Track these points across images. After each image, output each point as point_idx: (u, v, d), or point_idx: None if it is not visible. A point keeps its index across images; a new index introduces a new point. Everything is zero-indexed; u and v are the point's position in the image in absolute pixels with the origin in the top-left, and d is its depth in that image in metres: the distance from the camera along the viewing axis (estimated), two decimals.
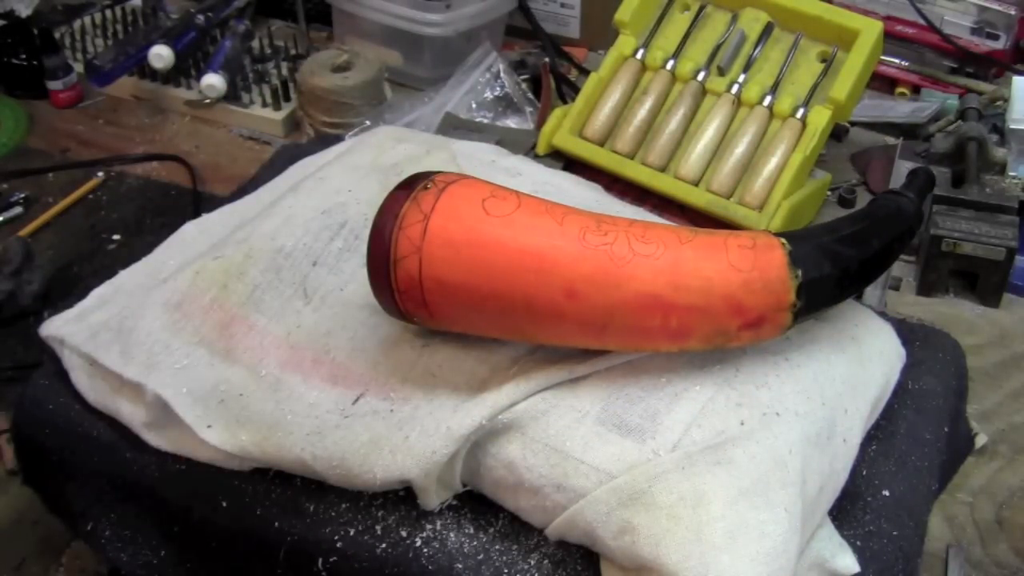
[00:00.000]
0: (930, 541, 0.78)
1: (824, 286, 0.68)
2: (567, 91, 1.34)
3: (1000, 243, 1.05)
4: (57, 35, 1.44)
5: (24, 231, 1.18)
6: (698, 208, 1.07)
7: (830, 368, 0.72)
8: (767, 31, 1.11)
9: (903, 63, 1.41)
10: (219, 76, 1.35)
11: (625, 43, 1.14)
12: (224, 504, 0.72)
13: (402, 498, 0.69)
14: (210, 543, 0.74)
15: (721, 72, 1.11)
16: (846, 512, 0.72)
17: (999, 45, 1.37)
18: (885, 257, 0.74)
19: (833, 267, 0.68)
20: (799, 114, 1.06)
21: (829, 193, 1.18)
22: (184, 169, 1.28)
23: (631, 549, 0.62)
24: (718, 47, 1.11)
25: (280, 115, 1.35)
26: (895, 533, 0.71)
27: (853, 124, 1.30)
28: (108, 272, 0.85)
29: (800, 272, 0.66)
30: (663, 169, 1.09)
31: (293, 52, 1.46)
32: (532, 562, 0.67)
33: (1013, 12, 1.36)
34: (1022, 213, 1.09)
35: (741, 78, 1.10)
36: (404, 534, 0.68)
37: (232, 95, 1.37)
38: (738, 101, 1.09)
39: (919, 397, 0.80)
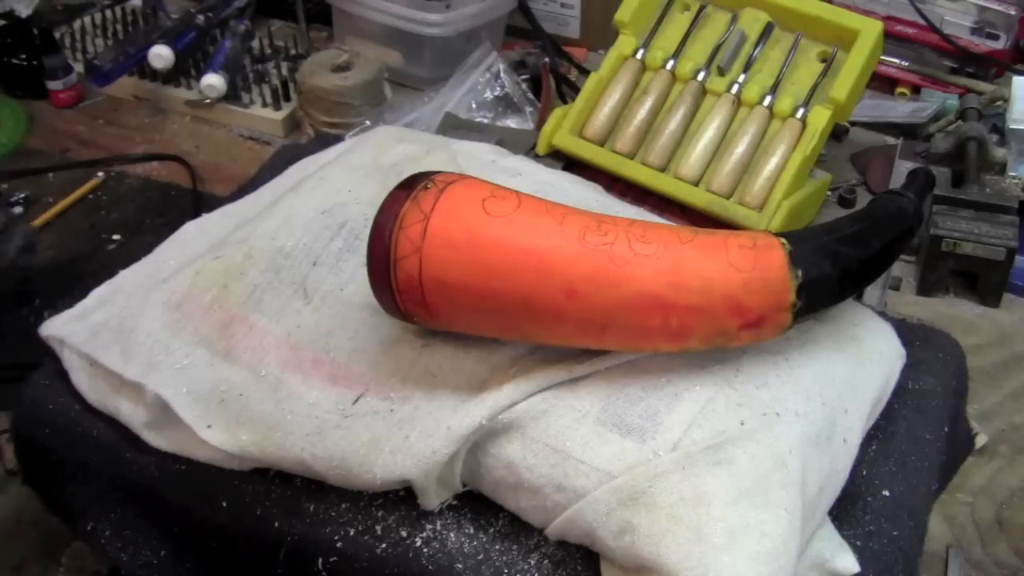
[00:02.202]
0: (930, 541, 0.78)
1: (824, 286, 0.68)
2: (567, 91, 1.34)
3: (1000, 243, 1.05)
4: (57, 35, 1.44)
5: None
6: (698, 208, 1.07)
7: (830, 368, 0.72)
8: (767, 31, 1.11)
9: (903, 63, 1.41)
10: (219, 76, 1.35)
11: (625, 43, 1.14)
12: (224, 504, 0.72)
13: (402, 498, 0.69)
14: (210, 543, 0.74)
15: (721, 72, 1.11)
16: (846, 512, 0.72)
17: (999, 45, 1.37)
18: (885, 257, 0.74)
19: (833, 267, 0.68)
20: (799, 114, 1.06)
21: (829, 193, 1.18)
22: (184, 169, 1.28)
23: (631, 549, 0.62)
24: (718, 47, 1.11)
25: (280, 115, 1.35)
26: (895, 533, 0.71)
27: (853, 124, 1.30)
28: (108, 272, 0.85)
29: (800, 272, 0.66)
30: (663, 169, 1.09)
31: (293, 52, 1.46)
32: (532, 562, 0.67)
33: (1013, 12, 1.36)
34: (1022, 213, 1.09)
35: (741, 78, 1.10)
36: (404, 534, 0.68)
37: (232, 95, 1.37)
38: (738, 101, 1.09)
39: (919, 397, 0.80)
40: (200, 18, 1.41)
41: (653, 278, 0.65)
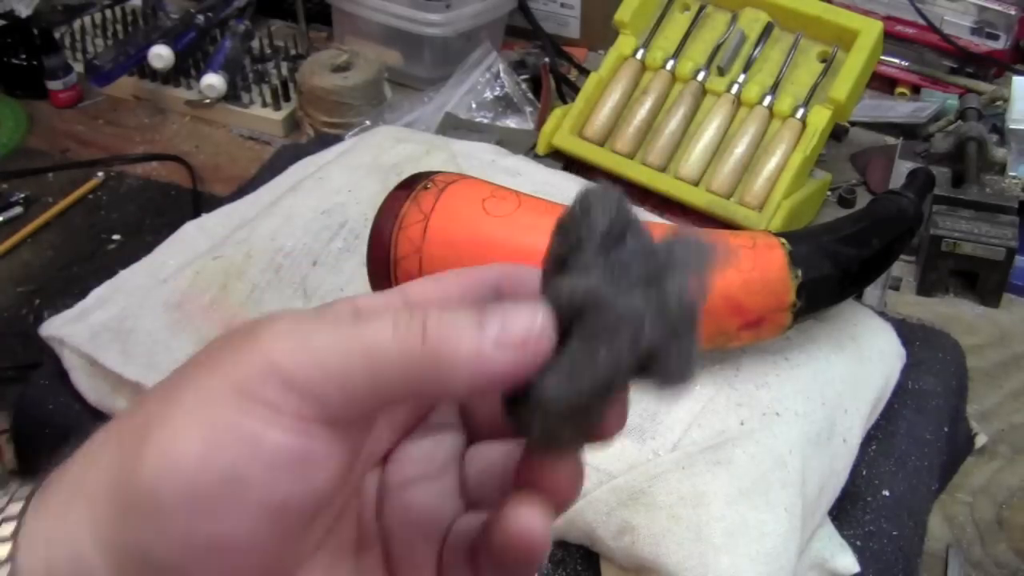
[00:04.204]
0: (930, 541, 0.78)
1: (824, 286, 0.68)
2: (567, 91, 1.34)
3: (1000, 243, 1.05)
4: (57, 35, 1.44)
5: (24, 231, 1.18)
6: (698, 208, 1.07)
7: (830, 368, 0.72)
8: (767, 31, 1.11)
9: (903, 63, 1.41)
10: (219, 76, 1.35)
11: (625, 43, 1.14)
12: None
13: None
14: None
15: (721, 72, 1.11)
16: (846, 512, 0.72)
17: (999, 45, 1.37)
18: (885, 257, 0.74)
19: (833, 267, 0.68)
20: (799, 114, 1.06)
21: (829, 193, 1.18)
22: (184, 169, 1.28)
23: (631, 549, 0.62)
24: (718, 47, 1.11)
25: (280, 115, 1.35)
26: (895, 533, 0.71)
27: (853, 124, 1.30)
28: (108, 272, 0.85)
29: (800, 272, 0.66)
30: (663, 169, 1.09)
31: (293, 52, 1.46)
32: None
33: (1013, 12, 1.36)
34: (1022, 213, 1.09)
35: (741, 78, 1.10)
36: None
37: (232, 95, 1.37)
38: (738, 101, 1.09)
39: (919, 397, 0.80)
40: (200, 18, 1.40)
41: None
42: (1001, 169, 1.13)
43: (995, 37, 1.37)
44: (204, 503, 0.31)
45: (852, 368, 0.74)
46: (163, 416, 0.33)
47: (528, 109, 1.31)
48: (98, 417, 0.77)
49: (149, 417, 0.34)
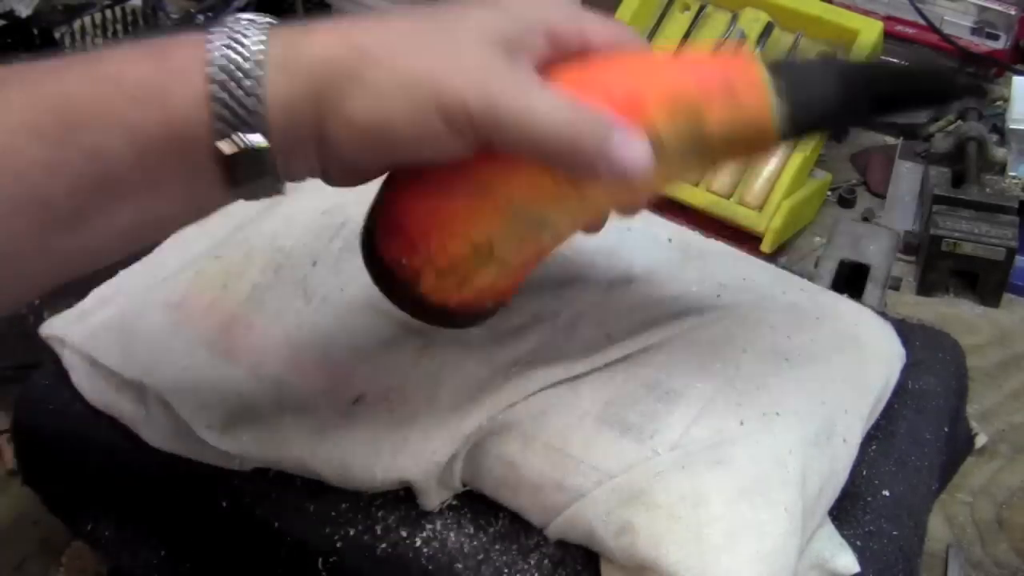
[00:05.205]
0: (930, 541, 0.78)
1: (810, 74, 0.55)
2: None
3: (1000, 243, 1.05)
4: (57, 35, 1.44)
5: None
6: (698, 208, 1.07)
7: (830, 368, 0.72)
8: (767, 31, 1.11)
9: (903, 63, 1.41)
10: None
11: None
12: (224, 504, 0.72)
13: (402, 498, 0.69)
14: (210, 543, 0.75)
15: None
16: (846, 512, 0.72)
17: (999, 45, 1.37)
18: (897, 97, 0.57)
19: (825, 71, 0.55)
20: None
21: (829, 193, 1.18)
22: None
23: (631, 549, 0.62)
24: (718, 47, 1.11)
25: None
26: (895, 533, 0.71)
27: None
28: (108, 272, 0.85)
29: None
30: None
31: None
32: (532, 562, 0.67)
33: (1013, 12, 1.36)
34: (1022, 213, 1.09)
35: None
36: (404, 534, 0.68)
37: None
38: None
39: (919, 397, 0.80)
40: (200, 18, 1.40)
41: None
42: (1001, 169, 1.13)
43: (995, 37, 1.37)
44: None
45: (852, 368, 0.74)
46: None
47: None
48: (99, 417, 0.77)
49: None
